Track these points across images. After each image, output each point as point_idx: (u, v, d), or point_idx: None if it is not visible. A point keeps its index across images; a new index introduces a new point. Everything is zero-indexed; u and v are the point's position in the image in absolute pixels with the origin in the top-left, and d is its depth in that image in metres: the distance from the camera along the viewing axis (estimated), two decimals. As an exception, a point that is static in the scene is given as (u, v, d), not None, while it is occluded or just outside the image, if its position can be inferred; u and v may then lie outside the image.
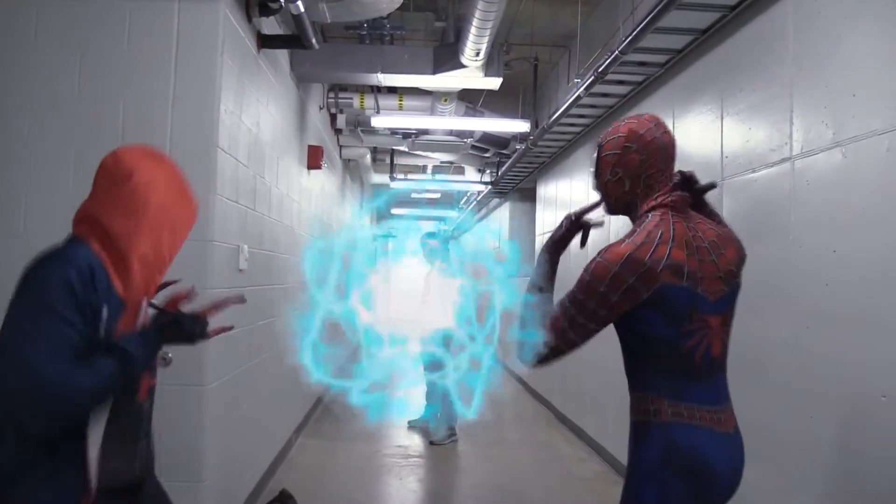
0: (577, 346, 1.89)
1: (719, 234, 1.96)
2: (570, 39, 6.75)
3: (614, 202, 2.01)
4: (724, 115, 3.76)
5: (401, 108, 6.96)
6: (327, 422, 6.70)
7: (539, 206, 8.51)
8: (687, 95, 4.22)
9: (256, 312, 4.18)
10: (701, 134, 4.01)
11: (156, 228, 1.71)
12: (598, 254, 1.85)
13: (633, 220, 1.97)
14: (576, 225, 2.12)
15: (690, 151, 4.17)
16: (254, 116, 4.08)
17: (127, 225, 1.67)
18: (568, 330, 1.87)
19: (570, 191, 7.00)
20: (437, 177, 10.76)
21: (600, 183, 2.02)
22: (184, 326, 1.72)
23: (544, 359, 1.91)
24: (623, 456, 5.03)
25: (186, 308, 1.80)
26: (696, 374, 1.85)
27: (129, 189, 1.69)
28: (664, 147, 1.91)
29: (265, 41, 4.12)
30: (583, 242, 2.14)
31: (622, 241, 1.85)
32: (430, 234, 6.41)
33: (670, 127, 4.38)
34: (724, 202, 3.70)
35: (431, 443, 6.05)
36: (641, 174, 1.91)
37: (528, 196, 9.82)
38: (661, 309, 1.80)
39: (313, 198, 6.56)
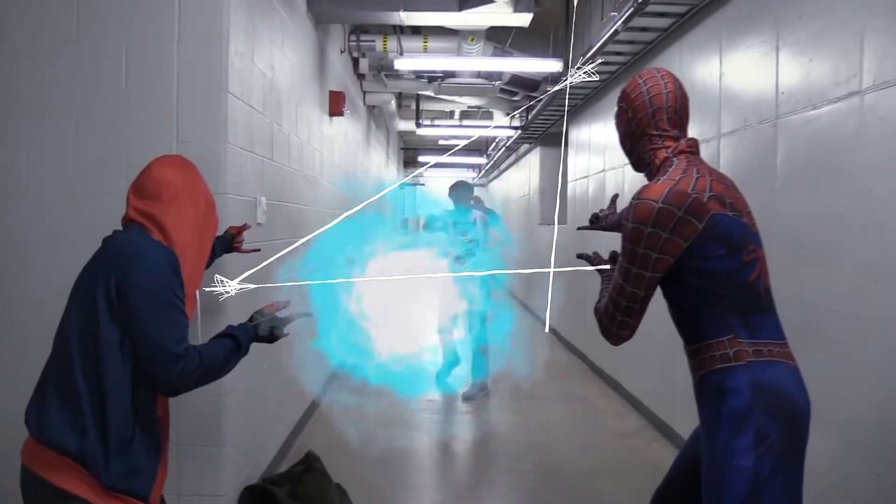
0: (638, 302, 1.84)
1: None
2: (605, -28, 6.31)
3: (630, 160, 2.05)
4: (779, 46, 3.40)
5: (426, 49, 6.62)
6: (346, 392, 6.57)
7: (571, 152, 8.16)
8: (736, 26, 3.85)
9: (279, 265, 3.99)
10: (753, 69, 3.66)
11: (199, 234, 2.00)
12: (633, 198, 1.82)
13: (647, 175, 1.98)
14: (598, 225, 2.44)
15: (740, 89, 3.83)
16: (268, 60, 3.82)
17: (181, 226, 1.94)
18: (622, 289, 1.84)
19: (605, 135, 6.65)
20: (465, 122, 10.41)
21: (620, 142, 2.08)
22: (276, 327, 2.09)
23: (615, 335, 1.90)
24: (662, 410, 4.90)
25: (281, 313, 2.14)
26: (763, 308, 1.83)
27: (179, 202, 1.94)
28: (652, 101, 1.92)
29: (277, -24, 3.83)
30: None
31: (654, 181, 1.84)
32: (434, 218, 6.11)
33: (715, 63, 4.07)
34: (778, 143, 3.38)
35: (464, 399, 5.91)
36: (634, 132, 1.96)
37: (559, 141, 9.45)
38: (721, 239, 1.78)
39: (336, 146, 6.32)
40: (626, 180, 5.82)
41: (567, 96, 6.65)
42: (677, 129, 1.95)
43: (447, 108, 10.90)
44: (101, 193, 3.02)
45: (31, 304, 3.04)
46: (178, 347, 1.81)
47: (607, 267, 2.14)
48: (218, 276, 2.08)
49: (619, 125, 2.03)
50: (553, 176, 9.96)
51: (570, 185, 8.22)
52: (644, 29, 4.74)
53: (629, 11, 4.22)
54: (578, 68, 2.20)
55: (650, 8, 4.17)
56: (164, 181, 1.94)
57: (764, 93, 3.54)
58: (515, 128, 9.29)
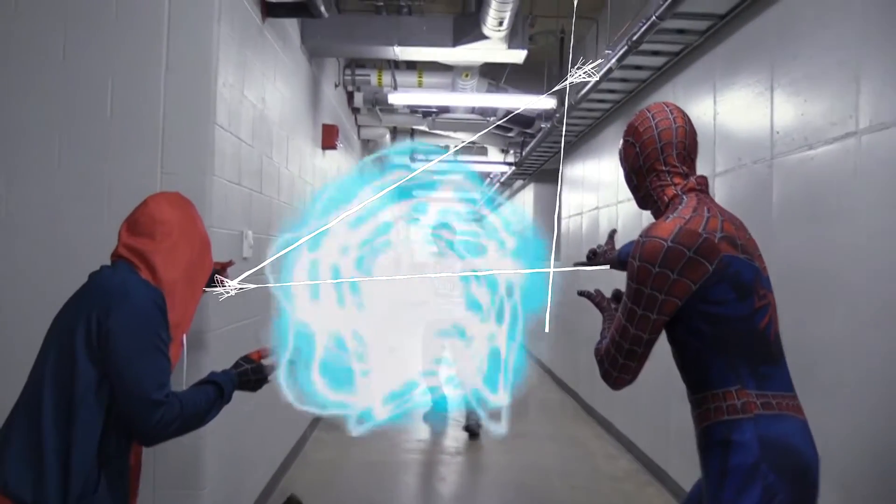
0: (642, 345, 1.75)
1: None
2: (598, 12, 6.35)
3: (634, 197, 1.98)
4: (774, 86, 3.37)
5: (420, 84, 6.63)
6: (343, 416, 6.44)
7: (565, 188, 8.14)
8: (731, 66, 3.84)
9: (264, 303, 3.90)
10: (747, 108, 3.63)
11: (191, 276, 1.93)
12: (641, 235, 1.73)
13: (653, 212, 1.91)
14: (596, 262, 2.37)
15: (734, 128, 3.80)
16: (258, 92, 3.77)
17: (172, 267, 1.87)
18: (625, 331, 1.75)
19: (598, 172, 6.63)
20: (460, 158, 10.40)
21: (625, 179, 2.01)
22: (261, 375, 2.04)
23: (616, 379, 1.81)
24: (656, 454, 4.77)
25: (266, 361, 2.08)
26: (773, 357, 1.75)
27: (172, 241, 1.88)
28: (661, 136, 1.85)
29: (270, 9, 3.80)
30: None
31: (663, 219, 1.77)
32: (443, 225, 6.15)
33: (709, 102, 4.04)
34: (773, 183, 3.34)
35: (466, 428, 5.84)
36: (642, 167, 1.88)
37: (553, 177, 9.44)
38: (730, 282, 1.70)
39: (328, 179, 6.26)
40: (619, 218, 5.78)
41: (564, 131, 6.64)
42: (686, 166, 1.87)
43: (442, 142, 10.90)
44: (83, 223, 2.94)
45: (6, 339, 2.93)
46: (158, 394, 1.72)
47: (612, 306, 2.05)
48: (218, 277, 2.02)
49: (625, 160, 1.94)
50: (547, 212, 9.93)
51: (563, 222, 8.17)
52: (638, 67, 4.73)
53: (623, 50, 4.20)
54: (578, 68, 2.11)
55: (644, 46, 4.15)
56: (159, 219, 1.88)
57: (759, 132, 3.50)
58: (509, 163, 9.27)
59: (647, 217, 5.26)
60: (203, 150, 3.02)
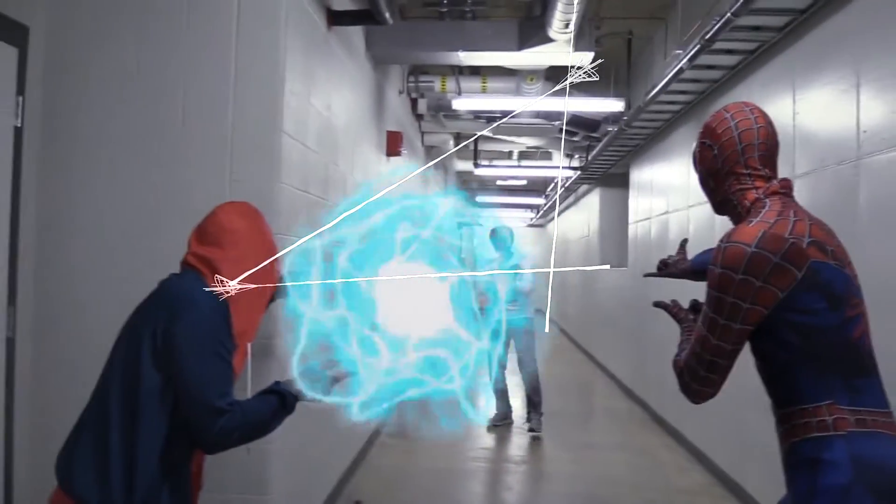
0: (724, 357, 1.66)
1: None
2: (667, 11, 6.18)
3: (711, 201, 1.90)
4: (860, 82, 3.19)
5: (484, 90, 6.58)
6: (411, 419, 6.42)
7: (633, 193, 7.95)
8: (811, 63, 3.65)
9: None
10: (830, 107, 3.45)
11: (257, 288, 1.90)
12: (722, 241, 1.66)
13: (733, 218, 1.81)
14: (667, 272, 2.30)
15: (815, 128, 3.61)
16: (324, 99, 3.79)
17: (234, 273, 1.78)
18: (706, 342, 1.66)
19: (668, 175, 6.44)
20: (524, 163, 10.32)
21: (699, 182, 1.92)
22: (323, 392, 1.93)
23: (696, 392, 1.72)
24: (731, 467, 4.57)
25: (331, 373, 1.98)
26: (867, 371, 1.65)
27: (240, 251, 1.86)
28: (741, 137, 1.76)
29: (336, 17, 3.82)
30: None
31: (745, 223, 1.67)
32: (497, 231, 6.09)
33: (788, 101, 3.85)
34: (860, 185, 3.15)
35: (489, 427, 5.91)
36: (720, 170, 1.79)
37: (620, 182, 9.25)
38: (821, 290, 1.60)
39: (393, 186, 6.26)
40: (690, 223, 5.59)
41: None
42: (768, 168, 1.77)
43: (505, 148, 10.84)
44: (157, 231, 2.99)
45: (83, 343, 3.00)
46: (221, 401, 1.70)
47: (690, 317, 1.95)
48: (218, 276, 2.00)
49: (700, 163, 1.85)
50: (613, 217, 9.73)
51: (630, 227, 7.99)
52: (710, 67, 4.56)
53: (695, 48, 4.06)
54: (578, 68, 2.01)
55: (718, 45, 4.00)
56: (227, 228, 1.88)
57: (843, 132, 3.31)
58: (574, 168, 9.13)
59: (721, 223, 5.07)
60: (270, 157, 3.03)
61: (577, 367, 10.14)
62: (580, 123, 7.47)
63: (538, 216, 17.18)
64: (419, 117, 7.80)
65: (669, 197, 6.28)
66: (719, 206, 1.86)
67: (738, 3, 3.43)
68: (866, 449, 1.56)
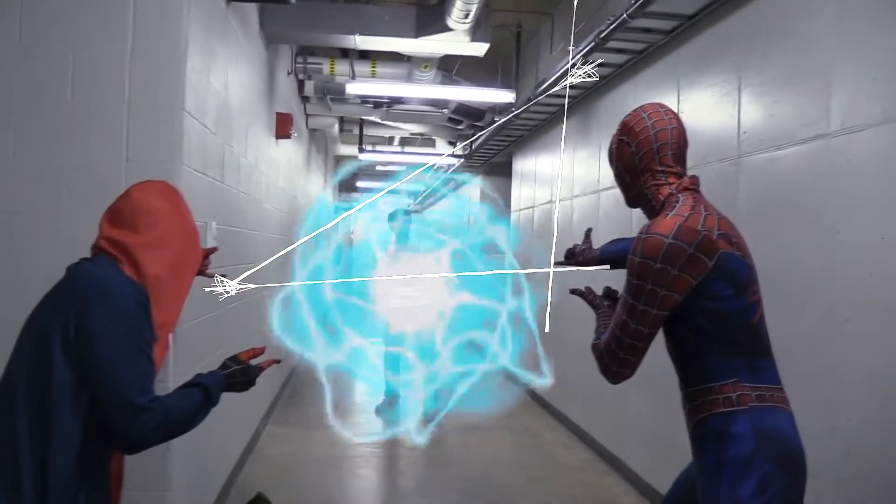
0: (642, 340, 1.78)
1: None
2: (553, 6, 6.38)
3: (625, 195, 2.01)
4: (741, 86, 3.44)
5: (374, 75, 6.52)
6: (294, 406, 6.32)
7: (515, 182, 8.17)
8: (696, 65, 3.89)
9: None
10: (713, 108, 3.70)
11: (178, 271, 1.82)
12: (641, 232, 1.75)
13: (646, 211, 1.94)
14: (574, 261, 2.43)
15: (699, 126, 3.85)
16: (222, 78, 3.62)
17: (157, 262, 1.75)
18: (626, 326, 1.79)
19: (551, 166, 6.67)
20: (408, 149, 10.32)
21: (614, 176, 2.04)
22: (250, 376, 1.91)
23: (615, 373, 1.84)
24: (612, 444, 4.83)
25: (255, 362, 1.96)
26: (765, 352, 1.81)
27: (157, 232, 1.77)
28: (657, 136, 1.89)
29: (236, -7, 3.65)
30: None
31: (662, 216, 1.79)
32: (393, 216, 6.12)
33: (673, 100, 4.09)
34: (740, 181, 3.40)
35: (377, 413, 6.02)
36: (637, 166, 1.91)
37: (501, 170, 9.47)
38: (729, 279, 1.75)
39: (280, 170, 6.11)
40: (574, 212, 5.82)
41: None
42: (680, 166, 1.91)
43: (387, 133, 10.80)
44: (39, 214, 2.76)
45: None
46: (141, 398, 1.60)
47: (605, 304, 2.07)
48: (218, 276, 1.91)
49: (618, 158, 1.97)
50: (493, 205, 9.95)
51: (512, 215, 8.20)
52: (601, 64, 4.75)
53: (589, 46, 4.22)
54: (578, 68, 2.09)
55: (610, 44, 4.18)
56: (144, 209, 1.75)
57: (725, 130, 3.56)
58: (459, 156, 9.25)
59: (605, 211, 5.30)
60: (171, 138, 2.87)
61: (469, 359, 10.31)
62: (466, 112, 7.58)
63: (416, 202, 17.24)
64: (305, 99, 7.62)
65: (553, 186, 6.51)
66: (633, 200, 1.98)
67: (635, 6, 3.60)
68: (766, 421, 1.73)
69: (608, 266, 2.30)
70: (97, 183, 2.77)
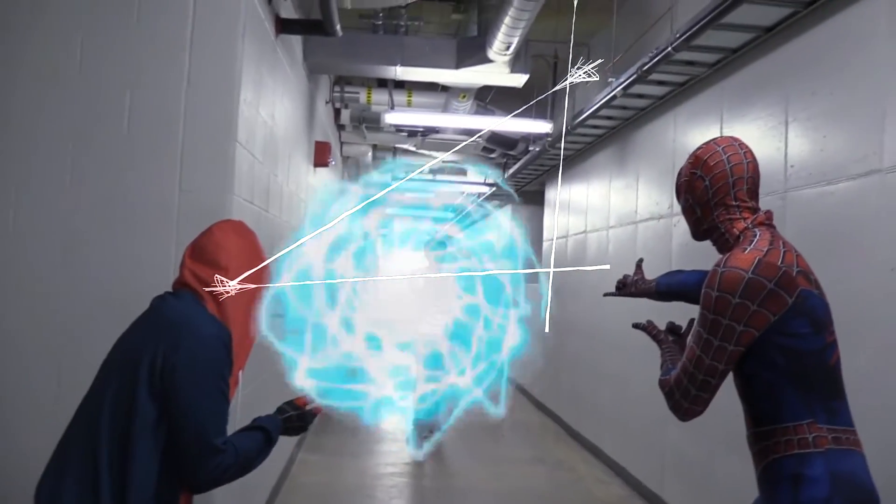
0: (717, 376, 1.75)
1: None
2: (589, 37, 6.42)
3: (693, 228, 2.00)
4: (788, 120, 3.43)
5: (410, 104, 6.61)
6: (328, 433, 6.31)
7: (548, 211, 8.17)
8: (741, 98, 3.89)
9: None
10: (758, 141, 3.68)
11: (252, 309, 1.86)
12: (718, 266, 1.76)
13: (718, 245, 1.92)
14: (626, 292, 2.35)
15: (743, 159, 3.84)
16: (269, 108, 3.69)
17: (236, 303, 1.78)
18: (700, 362, 1.76)
19: (586, 196, 6.66)
20: (440, 177, 10.39)
21: (682, 209, 2.03)
22: (305, 422, 1.97)
23: (686, 410, 1.81)
24: (650, 479, 4.74)
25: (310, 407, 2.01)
26: (840, 393, 1.79)
27: (236, 273, 1.73)
28: (732, 171, 1.87)
29: (284, 26, 3.73)
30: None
31: (739, 250, 1.77)
32: (441, 244, 6.13)
33: (714, 132, 4.08)
34: (786, 216, 3.37)
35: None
36: (710, 200, 1.89)
37: (532, 199, 9.47)
38: (808, 316, 1.73)
39: (317, 197, 6.17)
40: (610, 243, 5.81)
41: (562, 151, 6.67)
42: (754, 201, 1.89)
43: (419, 161, 10.88)
44: (97, 242, 2.81)
45: (16, 364, 2.77)
46: (218, 439, 1.64)
47: (669, 339, 2.04)
48: (218, 276, 1.93)
49: (689, 192, 1.94)
50: (524, 234, 9.94)
51: (545, 244, 8.19)
52: (640, 96, 4.77)
53: (631, 78, 4.23)
54: (579, 68, 2.07)
55: (653, 76, 4.19)
56: (226, 247, 1.80)
57: (771, 165, 3.54)
58: (492, 184, 9.28)
59: (643, 243, 5.25)
60: (224, 168, 2.93)
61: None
62: (500, 141, 7.62)
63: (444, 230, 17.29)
64: (340, 127, 7.73)
65: (588, 216, 6.49)
66: (704, 233, 1.96)
67: (680, 39, 3.61)
68: (841, 465, 1.69)
69: (656, 298, 2.26)
70: (152, 212, 2.83)
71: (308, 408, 1.99)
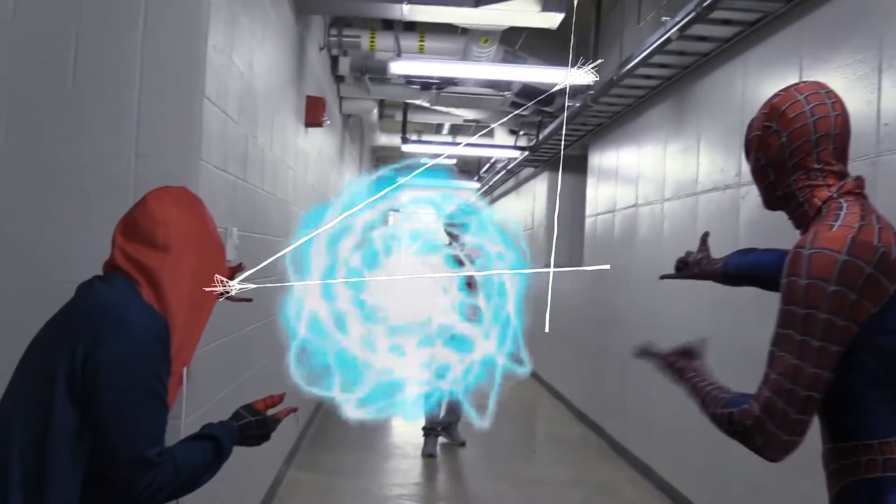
0: (821, 387, 1.65)
1: None
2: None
3: (765, 195, 1.95)
4: (882, 67, 3.36)
5: (422, 50, 6.56)
6: (322, 449, 6.38)
7: (591, 180, 8.12)
8: (824, 40, 3.81)
9: (246, 315, 3.82)
10: (845, 94, 3.58)
11: (198, 294, 1.85)
12: (801, 247, 1.69)
13: (794, 217, 1.88)
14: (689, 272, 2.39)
15: (827, 115, 3.77)
16: (246, 56, 3.69)
17: (178, 285, 1.79)
18: (799, 373, 1.64)
19: (637, 162, 6.61)
20: (460, 139, 10.36)
21: (751, 170, 1.97)
22: (266, 429, 1.97)
23: (784, 443, 1.66)
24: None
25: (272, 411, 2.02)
26: None
27: (179, 251, 1.81)
28: (816, 125, 1.80)
29: (263, -45, 3.72)
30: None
31: (824, 227, 1.70)
32: (452, 219, 6.13)
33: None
34: (878, 183, 3.31)
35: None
36: (787, 161, 1.83)
37: (574, 166, 9.42)
38: None
39: (310, 164, 6.19)
40: (665, 219, 5.76)
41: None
42: (841, 164, 1.82)
43: (434, 120, 10.87)
44: (33, 216, 2.83)
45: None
46: (151, 451, 1.63)
47: (692, 363, 1.94)
48: (218, 276, 1.95)
49: (762, 150, 1.88)
50: (565, 208, 9.90)
51: (588, 221, 8.15)
52: (702, 38, 4.70)
53: (689, 16, 4.17)
54: (579, 68, 2.05)
55: (715, 14, 4.12)
56: (163, 221, 1.79)
57: (860, 124, 3.46)
58: (522, 148, 9.23)
59: (706, 219, 5.22)
60: (189, 128, 2.93)
61: (518, 387, 10.27)
62: (532, 96, 7.56)
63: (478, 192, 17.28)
64: (339, 79, 7.72)
65: (640, 187, 6.44)
66: (777, 202, 1.91)
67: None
68: None
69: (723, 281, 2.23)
70: (102, 183, 2.85)
71: (270, 412, 1.98)
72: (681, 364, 1.94)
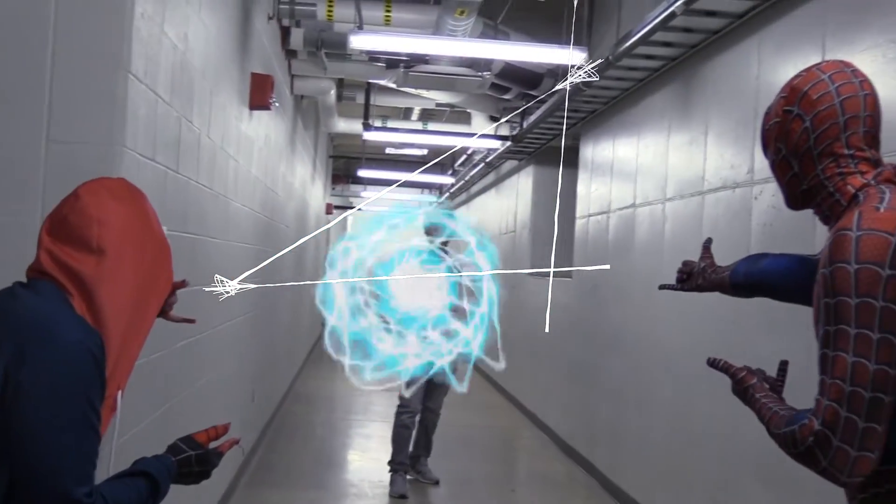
0: (890, 387, 1.62)
1: None
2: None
3: (788, 191, 1.97)
4: (917, 48, 3.41)
5: (388, 22, 6.58)
6: (266, 487, 6.34)
7: (583, 176, 8.16)
8: (851, 17, 3.86)
9: (175, 330, 3.79)
10: (874, 77, 3.64)
11: (139, 303, 1.85)
12: (845, 230, 1.69)
13: (824, 211, 1.88)
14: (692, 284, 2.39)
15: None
16: (180, 26, 3.67)
17: (117, 295, 1.79)
18: (861, 371, 1.62)
19: (635, 155, 6.65)
20: (432, 126, 10.38)
21: (770, 164, 2.01)
22: (207, 465, 1.98)
23: (856, 461, 1.63)
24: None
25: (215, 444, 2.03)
26: None
27: (116, 254, 1.79)
28: (844, 106, 1.82)
29: None
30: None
31: (868, 209, 1.71)
32: (433, 225, 6.18)
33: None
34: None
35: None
36: (812, 149, 1.86)
37: (560, 158, 9.45)
38: None
39: (255, 152, 6.17)
40: (667, 220, 5.79)
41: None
42: (874, 149, 1.85)
43: (402, 104, 10.89)
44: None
45: None
46: (79, 490, 1.62)
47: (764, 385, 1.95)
48: (218, 276, 1.98)
49: (781, 138, 1.91)
50: (552, 207, 9.95)
51: (579, 223, 8.20)
52: (711, 13, 4.74)
53: (696, -12, 4.20)
54: (579, 67, 2.06)
55: (726, -16, 4.16)
56: (98, 218, 1.77)
57: (890, 113, 3.51)
58: (504, 137, 9.26)
59: (712, 220, 5.27)
60: (110, 110, 2.92)
61: (496, 415, 10.31)
62: (516, 77, 7.60)
63: (442, 199, 17.33)
64: (290, 54, 7.72)
65: (639, 185, 6.48)
66: (803, 197, 1.93)
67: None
68: None
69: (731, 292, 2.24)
70: (8, 172, 2.83)
71: (212, 445, 1.99)
72: (752, 381, 1.90)
